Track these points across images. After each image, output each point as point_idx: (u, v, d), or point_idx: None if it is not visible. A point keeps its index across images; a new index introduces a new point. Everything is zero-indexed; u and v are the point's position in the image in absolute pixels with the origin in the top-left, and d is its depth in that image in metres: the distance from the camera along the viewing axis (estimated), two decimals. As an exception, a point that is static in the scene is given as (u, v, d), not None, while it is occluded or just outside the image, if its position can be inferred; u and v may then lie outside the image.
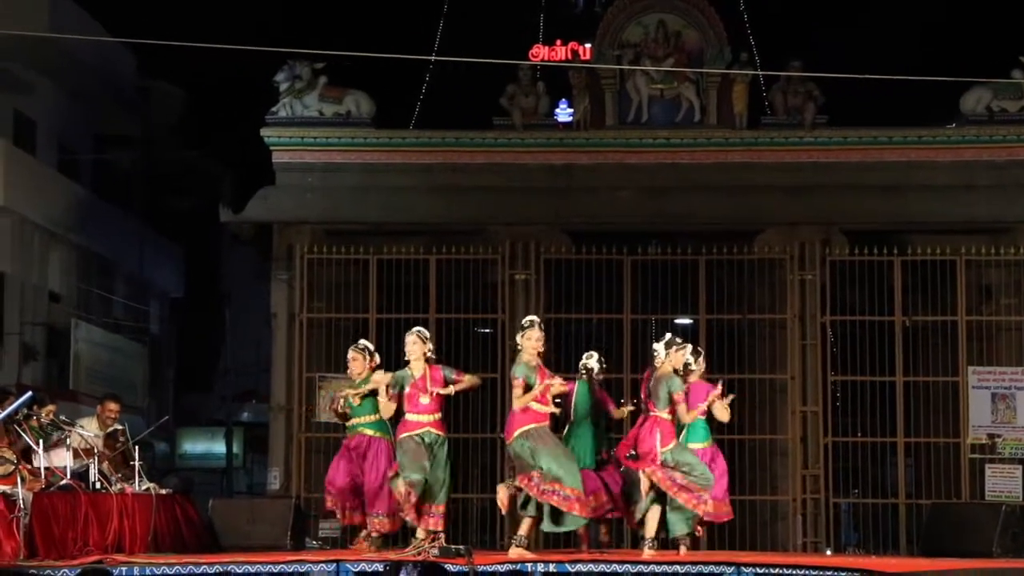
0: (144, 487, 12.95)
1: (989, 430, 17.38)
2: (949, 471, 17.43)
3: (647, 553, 12.24)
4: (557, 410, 12.46)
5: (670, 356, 12.51)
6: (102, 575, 10.49)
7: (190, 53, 15.71)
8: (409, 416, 12.59)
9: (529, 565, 11.70)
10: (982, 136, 18.33)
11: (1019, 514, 14.62)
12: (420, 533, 12.43)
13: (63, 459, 12.19)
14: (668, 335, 12.76)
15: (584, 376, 13.12)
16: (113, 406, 13.72)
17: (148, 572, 11.19)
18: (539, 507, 12.35)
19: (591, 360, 13.22)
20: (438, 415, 12.65)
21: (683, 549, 12.51)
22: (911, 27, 25.16)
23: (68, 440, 12.46)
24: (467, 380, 12.82)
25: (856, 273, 17.50)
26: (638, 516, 12.57)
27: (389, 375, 12.89)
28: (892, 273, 17.54)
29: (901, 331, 17.49)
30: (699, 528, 12.98)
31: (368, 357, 13.35)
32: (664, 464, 12.28)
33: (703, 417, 13.00)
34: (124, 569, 11.16)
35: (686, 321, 18.08)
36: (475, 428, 17.31)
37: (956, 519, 14.98)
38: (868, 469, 17.85)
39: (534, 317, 12.74)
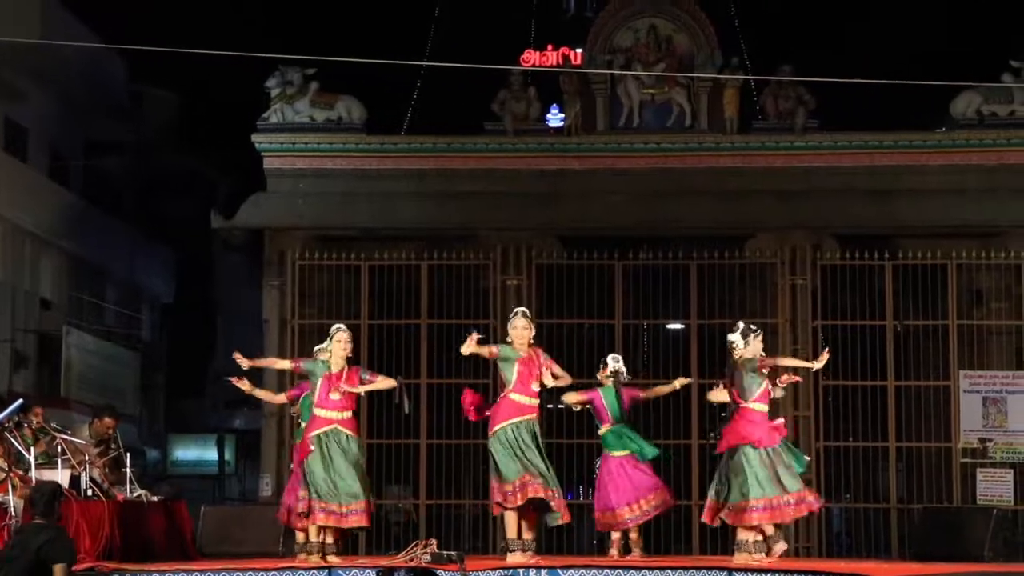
0: (136, 494, 12.93)
1: (980, 434, 17.38)
2: (940, 475, 17.44)
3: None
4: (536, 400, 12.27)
5: (749, 344, 12.34)
6: (93, 582, 10.48)
7: (181, 59, 15.72)
8: (317, 411, 12.24)
9: (521, 571, 11.68)
10: (972, 140, 18.37)
11: (1010, 518, 14.66)
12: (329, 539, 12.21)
13: (58, 479, 12.07)
14: (741, 324, 12.53)
15: (611, 380, 13.28)
16: (109, 422, 13.67)
17: (139, 579, 11.17)
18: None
19: (619, 364, 13.41)
20: (347, 413, 12.25)
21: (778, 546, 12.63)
22: (902, 32, 25.18)
23: (59, 449, 12.39)
24: (380, 381, 12.47)
25: (847, 277, 17.51)
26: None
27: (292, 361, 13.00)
28: (883, 277, 17.55)
29: (892, 335, 17.50)
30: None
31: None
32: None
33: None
34: (115, 576, 11.14)
35: (677, 326, 18.09)
36: (466, 435, 17.29)
37: (948, 523, 15.01)
38: (860, 473, 17.83)
39: (522, 308, 12.48)
